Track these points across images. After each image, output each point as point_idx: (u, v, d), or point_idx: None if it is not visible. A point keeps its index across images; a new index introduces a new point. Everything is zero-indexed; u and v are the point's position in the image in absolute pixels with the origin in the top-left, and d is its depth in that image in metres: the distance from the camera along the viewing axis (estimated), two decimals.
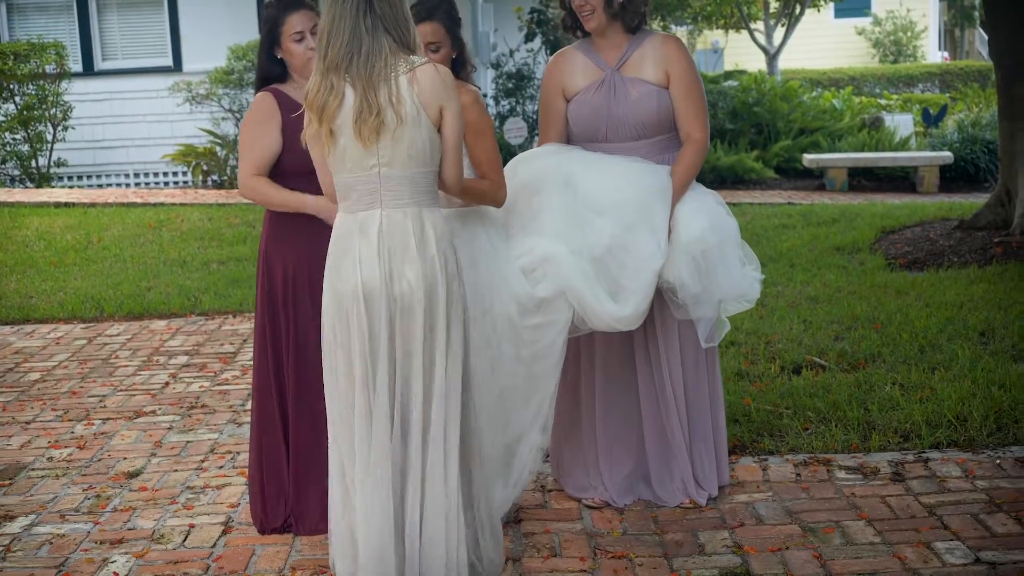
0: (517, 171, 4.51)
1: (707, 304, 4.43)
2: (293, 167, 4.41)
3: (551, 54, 15.68)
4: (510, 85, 15.45)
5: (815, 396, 5.75)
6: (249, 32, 16.45)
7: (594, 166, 4.52)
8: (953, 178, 14.59)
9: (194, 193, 14.88)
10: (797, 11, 19.94)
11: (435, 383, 3.59)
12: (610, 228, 4.33)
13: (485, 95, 16.58)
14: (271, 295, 4.50)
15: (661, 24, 17.09)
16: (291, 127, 4.36)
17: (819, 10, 21.14)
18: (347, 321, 3.61)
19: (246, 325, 7.89)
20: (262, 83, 4.59)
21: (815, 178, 14.95)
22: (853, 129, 15.98)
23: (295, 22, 4.43)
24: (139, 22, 17.08)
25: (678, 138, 4.66)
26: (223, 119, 15.68)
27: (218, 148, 15.76)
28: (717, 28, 20.75)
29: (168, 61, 16.89)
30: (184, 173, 16.51)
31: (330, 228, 3.83)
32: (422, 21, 4.21)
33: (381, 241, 3.60)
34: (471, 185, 4.06)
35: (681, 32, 22.45)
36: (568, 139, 4.73)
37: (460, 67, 4.38)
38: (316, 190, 4.12)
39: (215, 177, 15.86)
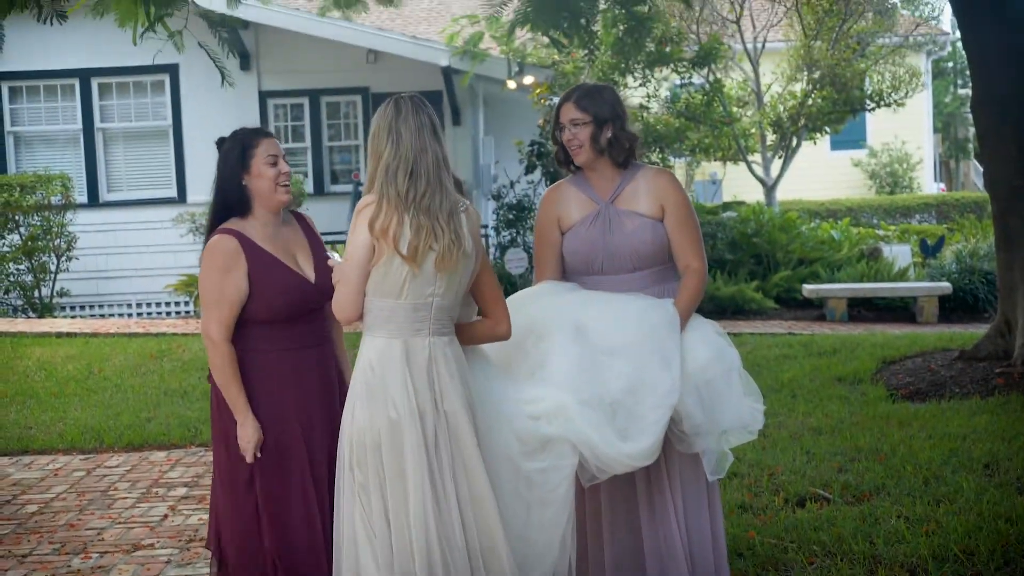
0: (520, 312, 4.42)
1: (710, 435, 4.39)
2: (258, 315, 4.28)
3: (549, 184, 15.91)
4: (511, 216, 15.60)
5: (820, 529, 5.69)
6: None
7: (601, 306, 4.48)
8: (952, 308, 14.63)
9: (196, 323, 14.89)
10: (794, 144, 20.21)
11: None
12: (626, 368, 4.28)
13: (486, 226, 16.76)
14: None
15: (660, 156, 17.32)
16: (257, 273, 4.25)
17: (815, 143, 21.41)
18: (399, 444, 3.83)
19: None
20: (221, 215, 4.39)
21: (815, 308, 15.00)
22: (852, 260, 16.07)
23: (268, 146, 4.35)
24: (144, 155, 17.34)
25: (673, 268, 4.69)
26: None
27: None
28: (715, 160, 21.00)
29: (172, 192, 17.11)
30: (186, 303, 16.59)
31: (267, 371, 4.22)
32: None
33: (430, 368, 3.91)
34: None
35: (679, 164, 22.72)
36: (563, 271, 4.72)
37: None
38: (278, 338, 4.26)
39: None
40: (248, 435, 4.19)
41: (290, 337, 4.30)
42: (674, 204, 4.63)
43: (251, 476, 4.24)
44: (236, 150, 4.35)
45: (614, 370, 4.27)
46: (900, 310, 14.78)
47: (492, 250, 15.67)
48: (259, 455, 4.21)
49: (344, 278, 3.94)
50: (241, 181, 4.33)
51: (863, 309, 14.80)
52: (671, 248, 4.64)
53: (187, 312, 16.63)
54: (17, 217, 15.70)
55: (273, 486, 4.23)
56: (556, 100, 16.65)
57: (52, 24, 7.26)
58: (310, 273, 4.35)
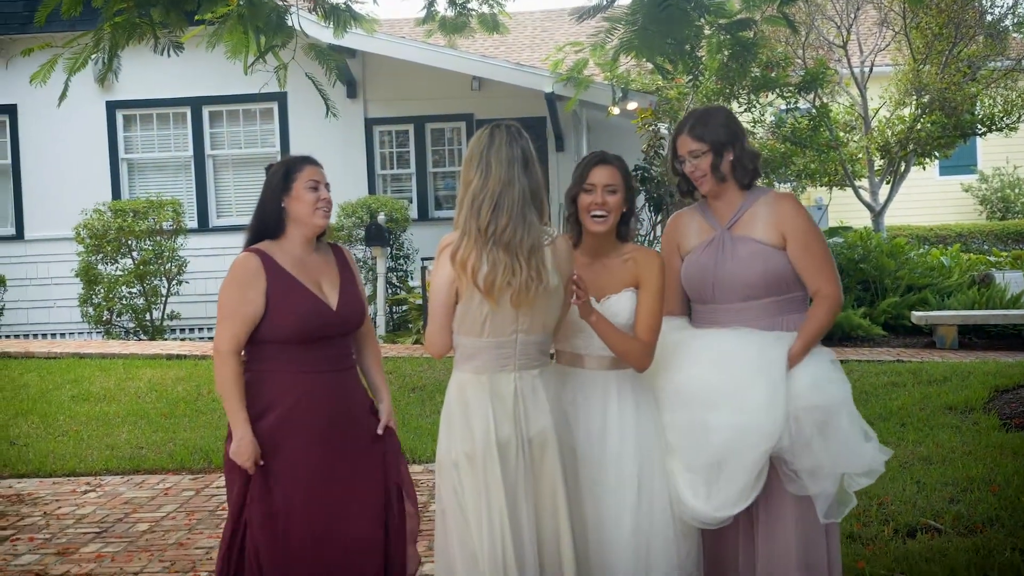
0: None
1: (825, 478, 4.19)
2: (274, 334, 4.38)
3: (653, 210, 15.85)
4: None
5: (931, 561, 5.58)
6: (359, 190, 16.89)
7: (706, 352, 4.36)
8: None
9: None
10: (902, 168, 19.90)
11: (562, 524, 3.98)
12: (730, 419, 4.18)
13: None
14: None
15: (765, 181, 17.14)
16: (275, 293, 4.37)
17: (924, 168, 21.03)
18: (476, 475, 3.91)
19: None
20: (256, 236, 4.56)
21: (924, 335, 14.71)
22: (962, 286, 15.75)
23: (312, 172, 4.51)
24: (253, 181, 17.63)
25: (797, 300, 4.47)
26: None
27: None
28: (821, 185, 20.75)
29: None
30: None
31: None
32: (597, 165, 4.33)
33: (516, 403, 3.96)
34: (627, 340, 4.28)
35: (784, 189, 22.48)
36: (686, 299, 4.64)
37: (624, 223, 4.40)
38: (294, 360, 4.36)
39: None
40: (243, 449, 4.30)
41: (306, 360, 4.40)
42: (796, 229, 4.42)
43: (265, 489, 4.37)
44: (280, 172, 4.53)
45: (716, 426, 4.19)
46: (1013, 338, 14.43)
47: None
48: (260, 465, 4.34)
49: (431, 314, 4.02)
50: (281, 202, 4.50)
51: (974, 336, 14.48)
52: (800, 276, 4.43)
53: None
54: (130, 242, 16.07)
55: (277, 496, 4.35)
56: (659, 126, 16.67)
57: (168, 55, 7.41)
58: (333, 301, 4.48)
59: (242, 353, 4.40)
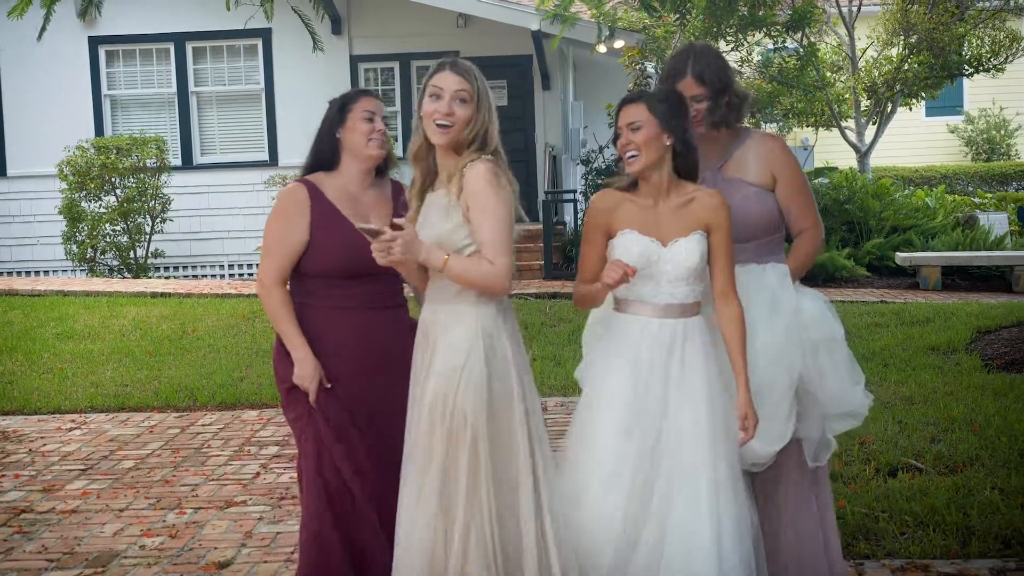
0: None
1: (811, 421, 4.19)
2: (316, 268, 4.32)
3: None
4: (599, 181, 15.55)
5: (912, 500, 5.63)
6: None
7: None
8: None
9: None
10: (888, 109, 19.86)
11: None
12: (758, 351, 4.07)
13: (574, 191, 16.70)
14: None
15: (752, 121, 17.10)
16: (319, 225, 4.30)
17: (911, 108, 21.00)
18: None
19: None
20: (310, 168, 4.47)
21: (908, 276, 14.76)
22: (947, 228, 15.79)
23: (368, 103, 4.39)
24: (237, 118, 17.53)
25: (777, 242, 4.43)
26: None
27: None
28: (807, 126, 20.70)
29: (264, 156, 17.28)
30: None
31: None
32: (622, 107, 4.06)
33: None
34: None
35: (771, 129, 22.43)
36: None
37: (679, 158, 4.07)
38: (338, 296, 4.27)
39: None
40: (306, 370, 4.27)
41: (352, 296, 4.32)
42: (787, 173, 4.37)
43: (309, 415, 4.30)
44: (337, 104, 4.41)
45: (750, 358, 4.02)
46: (996, 279, 14.49)
47: (581, 216, 15.62)
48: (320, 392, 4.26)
49: (507, 248, 3.85)
50: (336, 133, 4.38)
51: (958, 278, 14.54)
52: (785, 216, 4.39)
53: None
54: (114, 179, 15.98)
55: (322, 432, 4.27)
56: (646, 65, 16.59)
57: None
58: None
59: (287, 285, 4.35)
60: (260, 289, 4.36)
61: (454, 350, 3.82)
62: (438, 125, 3.86)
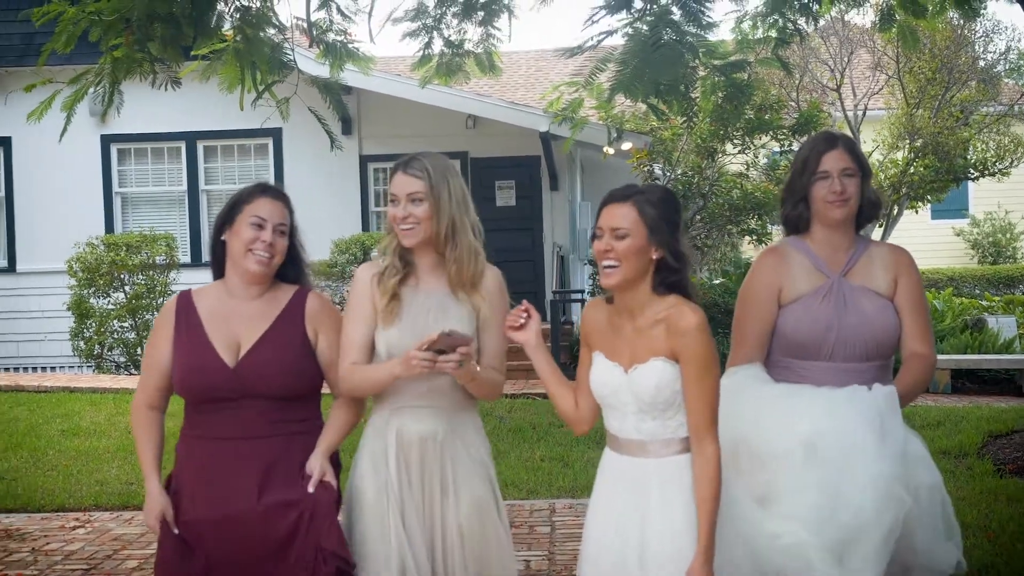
0: (733, 412, 3.64)
1: (892, 569, 3.65)
2: (179, 391, 3.91)
3: None
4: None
5: None
6: (353, 227, 16.87)
7: (827, 412, 3.72)
8: None
9: None
10: (895, 212, 19.97)
11: None
12: (865, 496, 3.56)
13: (581, 291, 16.72)
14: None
15: (759, 223, 17.19)
16: (178, 342, 3.87)
17: (916, 211, 21.14)
18: None
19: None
20: (214, 273, 4.04)
21: None
22: (955, 331, 15.75)
23: (261, 206, 3.87)
24: None
25: (890, 366, 4.03)
26: None
27: None
28: None
29: None
30: None
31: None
32: (604, 205, 3.57)
33: None
34: None
35: (778, 231, 22.53)
36: (771, 352, 4.01)
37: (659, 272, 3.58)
38: (196, 423, 3.85)
39: None
40: (148, 508, 3.84)
41: (207, 424, 3.86)
42: (911, 283, 3.99)
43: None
44: (231, 200, 3.96)
45: (850, 498, 3.56)
46: (1005, 382, 14.43)
47: None
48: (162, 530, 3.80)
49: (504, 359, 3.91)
50: (221, 235, 3.93)
51: (967, 381, 14.47)
52: (902, 335, 3.99)
53: None
54: (123, 276, 16.04)
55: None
56: (654, 167, 16.69)
57: (166, 90, 7.42)
58: (236, 357, 3.83)
59: (157, 407, 3.98)
60: (132, 413, 3.99)
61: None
62: (402, 229, 3.82)
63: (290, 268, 4.00)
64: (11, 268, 17.56)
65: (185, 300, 3.92)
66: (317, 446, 3.85)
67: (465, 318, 3.79)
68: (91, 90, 7.08)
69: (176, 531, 3.78)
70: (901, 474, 3.61)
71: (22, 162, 17.51)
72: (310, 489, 3.72)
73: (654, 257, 3.45)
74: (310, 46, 8.69)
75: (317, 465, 3.79)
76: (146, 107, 16.33)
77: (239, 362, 3.80)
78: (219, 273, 4.00)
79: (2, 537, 7.69)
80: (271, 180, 17.28)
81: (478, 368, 3.72)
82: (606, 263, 3.47)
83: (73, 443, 10.79)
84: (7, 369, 17.08)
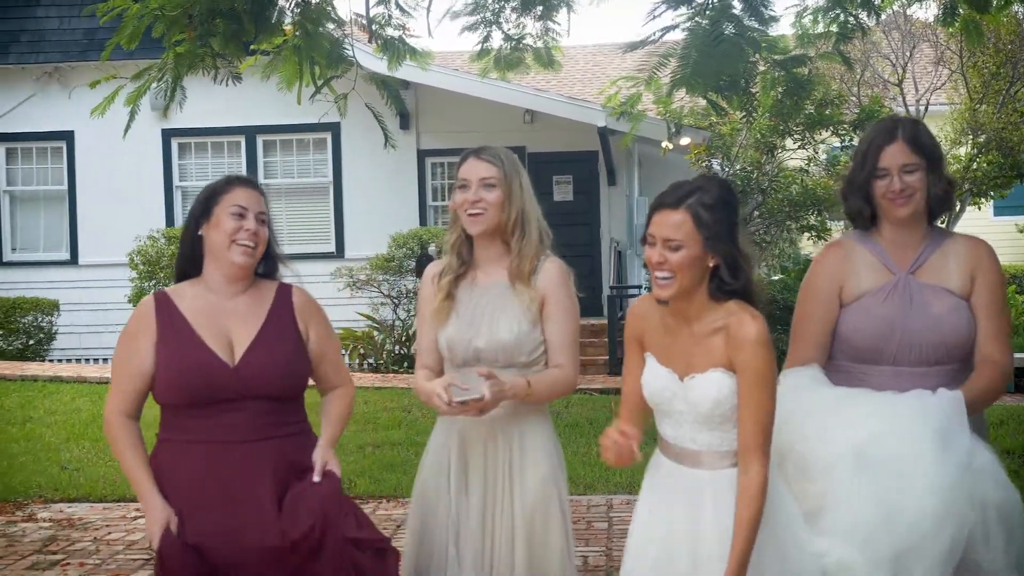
0: (785, 416, 3.34)
1: None
2: (163, 396, 3.64)
3: None
4: None
5: None
6: (410, 221, 16.92)
7: (884, 416, 3.42)
8: None
9: (351, 376, 15.11)
10: (957, 208, 19.73)
11: None
12: (925, 502, 3.24)
13: (639, 286, 16.68)
14: None
15: (819, 219, 17.05)
16: (164, 345, 3.62)
17: (979, 208, 20.86)
18: None
19: (400, 510, 7.90)
20: (179, 273, 3.83)
21: None
22: (1018, 328, 15.55)
23: (241, 195, 3.71)
24: (305, 210, 17.74)
25: (967, 370, 3.64)
26: (382, 304, 16.04)
27: (375, 332, 16.07)
28: None
29: (331, 247, 17.43)
30: (344, 355, 16.80)
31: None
32: (656, 210, 3.40)
33: None
34: None
35: (838, 227, 22.35)
36: (832, 355, 3.75)
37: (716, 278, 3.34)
38: (188, 428, 3.57)
39: (371, 360, 16.13)
40: (152, 519, 3.56)
41: (203, 428, 3.59)
42: (990, 281, 3.65)
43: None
44: (205, 193, 3.78)
45: (906, 509, 3.25)
46: None
47: None
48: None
49: (576, 350, 3.81)
50: (198, 230, 3.73)
51: None
52: (977, 337, 3.64)
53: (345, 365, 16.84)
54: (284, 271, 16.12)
55: None
56: (712, 162, 16.60)
57: (227, 85, 7.47)
58: (236, 356, 3.65)
59: (136, 417, 3.71)
60: (104, 423, 3.70)
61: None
62: (470, 215, 3.77)
63: (263, 262, 3.88)
64: (74, 261, 17.78)
65: (164, 300, 3.71)
66: (321, 437, 3.80)
67: (522, 311, 3.75)
68: (153, 85, 7.14)
69: (183, 540, 3.52)
70: (966, 486, 3.26)
71: (84, 156, 17.72)
72: (316, 478, 3.64)
73: (711, 265, 3.25)
74: (369, 41, 8.70)
75: (321, 456, 3.72)
76: (206, 102, 16.42)
77: (239, 361, 3.64)
78: (188, 272, 3.81)
79: (65, 527, 7.79)
80: (330, 175, 17.39)
81: (526, 379, 3.67)
82: (660, 275, 3.26)
83: None
84: (70, 360, 17.29)
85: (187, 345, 3.62)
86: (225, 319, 3.69)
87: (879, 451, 3.32)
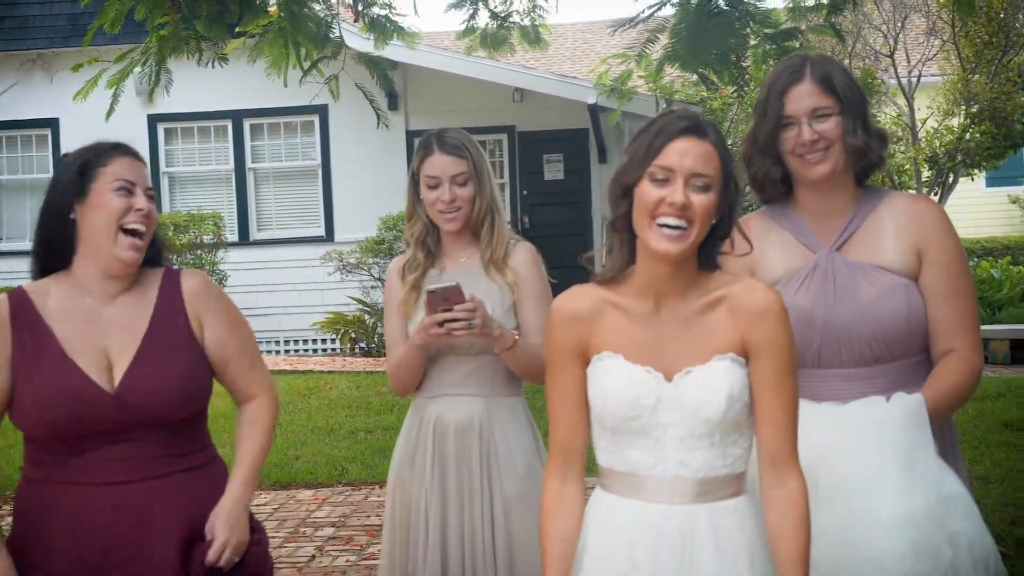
0: None
1: None
2: (23, 426, 2.85)
3: None
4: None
5: None
6: (400, 203, 16.80)
7: (829, 435, 2.77)
8: None
9: (342, 361, 15.04)
10: (950, 180, 19.65)
11: None
12: (889, 531, 2.66)
13: None
14: None
15: None
16: (20, 361, 2.82)
17: (972, 179, 20.80)
18: None
19: None
20: (40, 266, 2.99)
21: None
22: (1014, 299, 15.49)
23: (122, 166, 2.95)
24: (294, 193, 17.61)
25: (925, 365, 2.95)
26: (372, 287, 15.94)
27: (367, 316, 15.98)
28: None
29: (321, 231, 17.32)
30: (333, 340, 16.74)
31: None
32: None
33: None
34: None
35: None
36: None
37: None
38: (57, 465, 2.83)
39: (363, 345, 16.05)
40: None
41: (78, 468, 2.84)
42: (943, 255, 2.87)
43: None
44: (75, 165, 2.95)
45: (869, 547, 2.66)
46: None
47: None
48: None
49: None
50: (70, 213, 2.91)
51: None
52: (931, 323, 2.89)
53: (333, 350, 16.78)
54: (171, 256, 16.06)
55: None
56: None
57: (213, 67, 7.36)
58: (115, 376, 2.87)
59: None
60: None
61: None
62: (447, 216, 3.70)
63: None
64: None
65: (22, 302, 2.88)
66: (227, 489, 3.08)
67: (498, 297, 3.68)
68: (137, 69, 7.03)
69: None
70: (939, 515, 2.68)
71: (70, 143, 17.40)
72: (210, 558, 2.90)
73: (713, 222, 2.50)
74: (355, 20, 8.59)
75: (218, 525, 2.96)
76: (192, 86, 16.30)
77: (119, 385, 2.86)
78: (51, 265, 2.99)
79: None
80: (318, 158, 17.24)
81: (515, 333, 3.60)
82: (673, 223, 2.42)
83: None
84: None
85: (52, 367, 2.83)
86: (101, 329, 2.91)
87: (830, 479, 2.70)
